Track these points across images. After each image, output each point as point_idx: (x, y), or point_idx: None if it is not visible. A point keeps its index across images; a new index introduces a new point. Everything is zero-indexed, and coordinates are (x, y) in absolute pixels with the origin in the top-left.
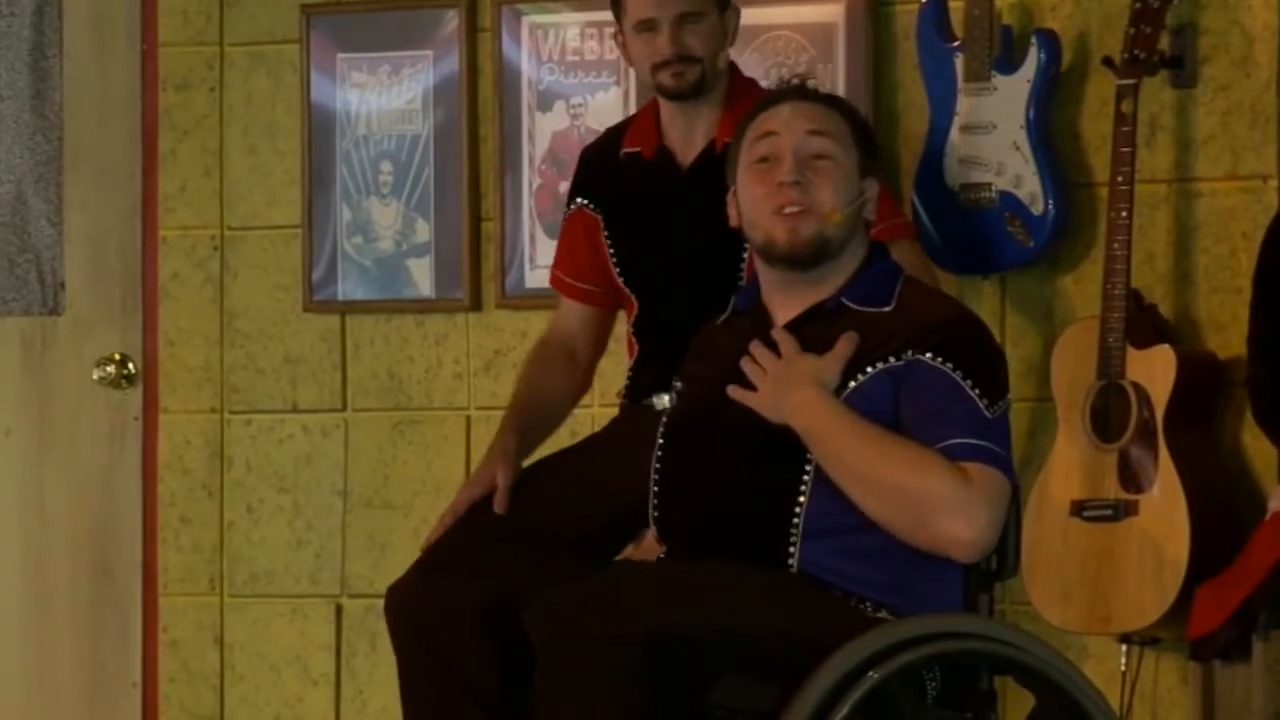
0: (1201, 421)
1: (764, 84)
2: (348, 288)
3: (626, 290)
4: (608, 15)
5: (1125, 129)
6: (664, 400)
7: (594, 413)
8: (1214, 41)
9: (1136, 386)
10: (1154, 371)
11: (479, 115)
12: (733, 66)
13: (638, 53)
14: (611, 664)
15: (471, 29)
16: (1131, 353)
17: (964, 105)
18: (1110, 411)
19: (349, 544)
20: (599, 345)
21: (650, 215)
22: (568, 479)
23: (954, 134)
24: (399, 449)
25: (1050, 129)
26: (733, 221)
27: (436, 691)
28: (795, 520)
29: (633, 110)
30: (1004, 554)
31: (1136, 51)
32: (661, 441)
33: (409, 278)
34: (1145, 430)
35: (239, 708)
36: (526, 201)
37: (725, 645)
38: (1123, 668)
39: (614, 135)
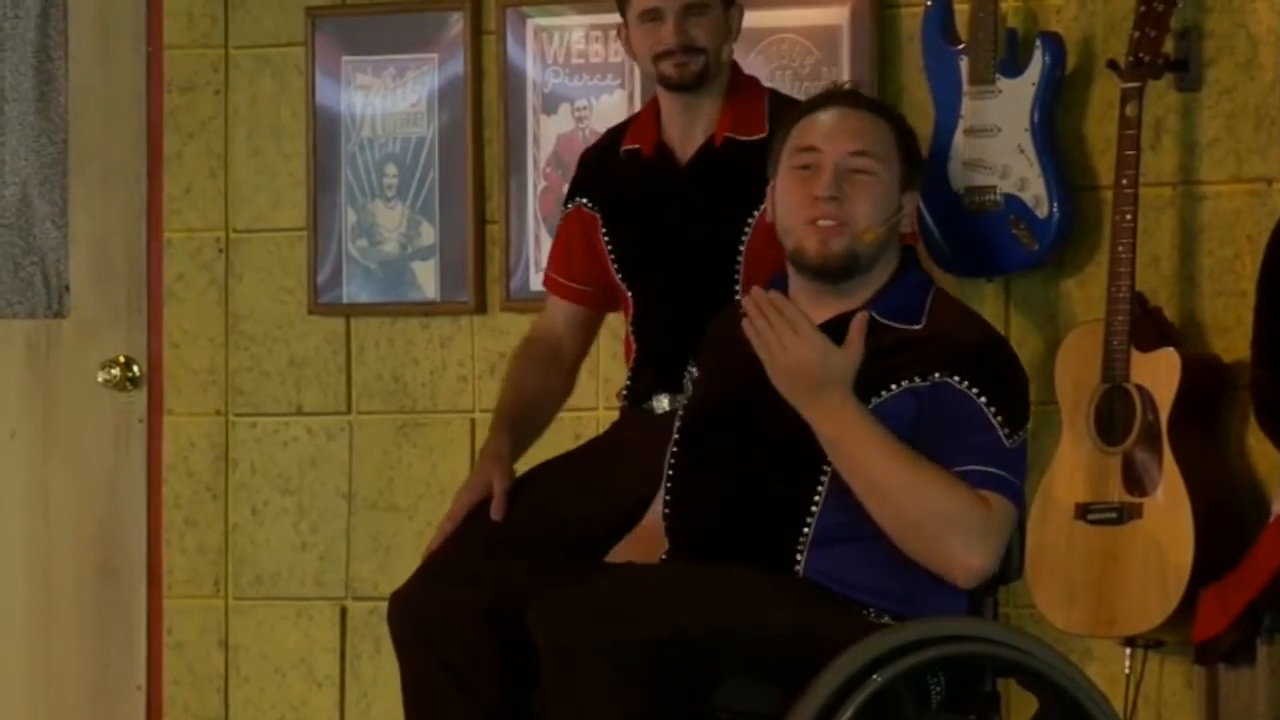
0: (1206, 424)
1: (767, 84)
2: (352, 290)
3: (624, 287)
4: (612, 18)
5: (1130, 132)
6: (664, 403)
7: (598, 415)
8: (1219, 45)
9: (1141, 389)
10: (1158, 374)
11: (484, 118)
12: (733, 63)
13: (640, 43)
14: (615, 667)
15: (476, 31)
16: (1136, 355)
17: (968, 108)
18: (1114, 414)
19: (353, 546)
20: (584, 347)
21: (649, 212)
22: (569, 482)
23: (958, 137)
24: (404, 451)
25: (1055, 132)
26: (769, 217)
27: (439, 696)
28: (805, 530)
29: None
30: (1008, 557)
31: (1141, 55)
32: (677, 436)
33: (414, 280)
34: (1149, 433)
35: (243, 710)
36: (531, 204)
37: (729, 648)
38: (1127, 671)
39: (614, 135)
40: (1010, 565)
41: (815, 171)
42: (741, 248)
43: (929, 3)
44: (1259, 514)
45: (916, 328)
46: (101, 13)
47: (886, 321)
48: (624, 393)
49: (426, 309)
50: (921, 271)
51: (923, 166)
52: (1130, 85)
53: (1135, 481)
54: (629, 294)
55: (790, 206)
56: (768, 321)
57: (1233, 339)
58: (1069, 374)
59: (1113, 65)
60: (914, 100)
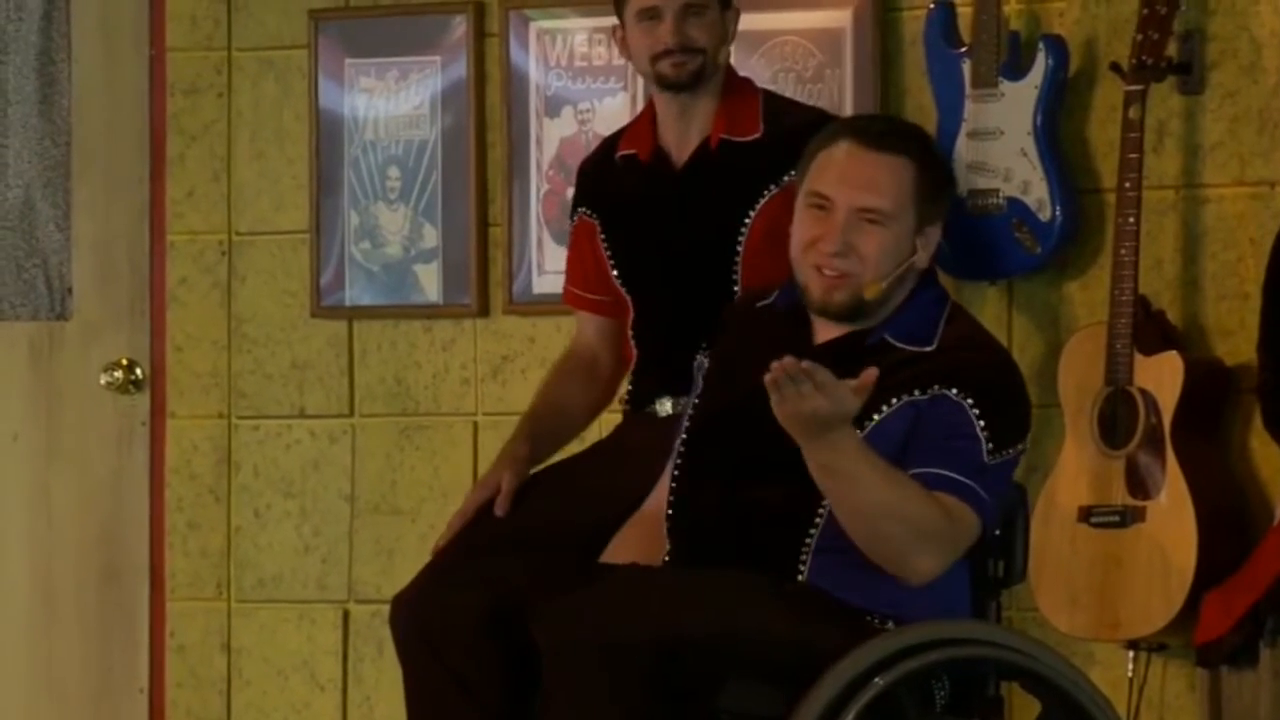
0: (1209, 428)
1: (770, 88)
2: (355, 293)
3: (624, 292)
4: (615, 20)
5: (1133, 135)
6: (667, 405)
7: (600, 419)
8: (1222, 47)
9: (1144, 393)
10: (1161, 378)
11: (487, 121)
12: (728, 65)
13: (638, 42)
14: (618, 670)
15: (479, 34)
16: (1139, 359)
17: (971, 111)
18: (1118, 418)
19: (356, 549)
20: (620, 357)
21: (645, 216)
22: (572, 486)
23: (961, 140)
24: (406, 454)
25: (1058, 135)
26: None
27: (441, 699)
28: (809, 539)
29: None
30: (1011, 560)
31: (1144, 57)
32: (684, 439)
33: (416, 283)
34: (1153, 436)
35: (246, 713)
36: (534, 207)
37: (731, 651)
38: (1130, 674)
39: (610, 142)
40: (1014, 568)
41: (827, 214)
42: (739, 248)
43: (931, 5)
44: (1262, 517)
45: (929, 349)
46: (104, 15)
47: (900, 344)
48: (626, 397)
49: (429, 312)
50: (937, 288)
51: (948, 194)
52: (1133, 88)
53: (1138, 485)
54: (629, 298)
55: (800, 242)
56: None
57: (1236, 342)
58: (1072, 377)
59: (1115, 68)
60: (916, 103)
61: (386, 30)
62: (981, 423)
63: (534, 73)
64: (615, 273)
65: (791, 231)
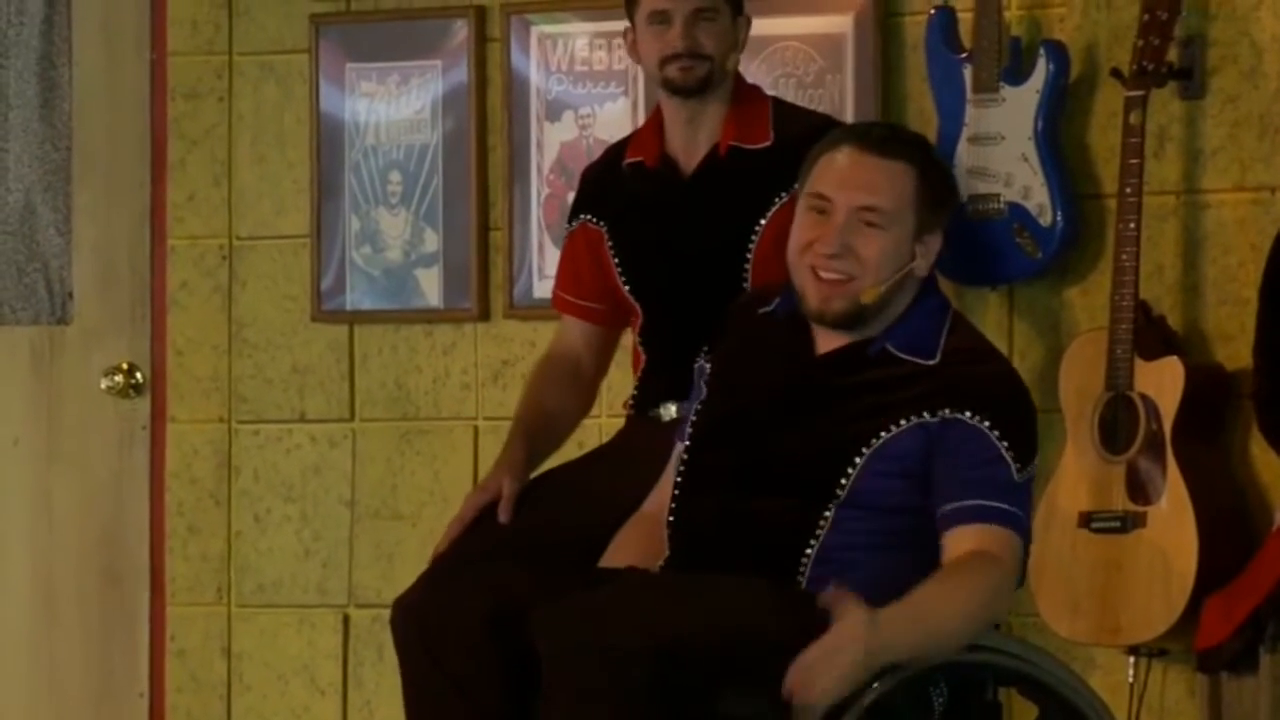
0: (1210, 433)
1: (771, 93)
2: (356, 297)
3: (632, 300)
4: (616, 25)
5: (1133, 140)
6: (671, 410)
7: (601, 423)
8: (1222, 53)
9: (1144, 398)
10: (1162, 383)
11: (488, 125)
12: (737, 72)
13: (647, 46)
14: (617, 675)
15: (480, 39)
16: (1139, 364)
17: (972, 116)
18: (1118, 423)
19: (356, 554)
20: (603, 363)
21: (654, 223)
22: (574, 490)
23: (962, 145)
24: (407, 459)
25: (1058, 140)
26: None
27: (441, 703)
28: (809, 550)
29: (640, 120)
30: None
31: (1145, 63)
32: (688, 444)
33: (417, 287)
34: (1153, 442)
35: (246, 717)
36: (535, 211)
37: (730, 657)
38: (1130, 679)
39: (615, 150)
40: None
41: (826, 216)
42: (749, 256)
43: (933, 11)
44: (1263, 522)
45: (931, 363)
46: (105, 19)
47: (901, 355)
48: (630, 402)
49: (430, 316)
50: (939, 297)
51: (949, 204)
52: (1134, 93)
53: (1139, 490)
54: (637, 305)
55: (797, 244)
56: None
57: (1236, 347)
58: (1072, 383)
59: (1116, 73)
60: (918, 108)
61: (387, 35)
62: (1004, 444)
63: (535, 77)
64: (623, 280)
65: (790, 234)
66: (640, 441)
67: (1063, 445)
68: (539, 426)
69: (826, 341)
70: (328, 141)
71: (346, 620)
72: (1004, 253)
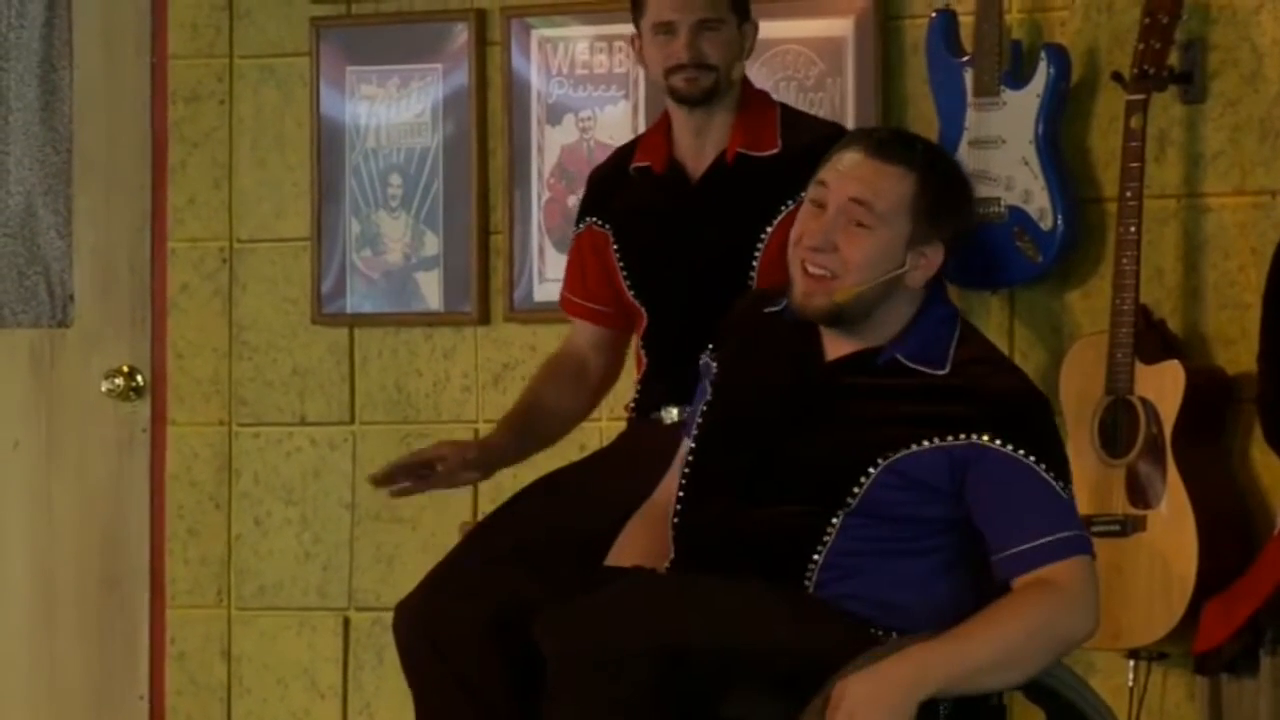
0: (1210, 437)
1: (774, 97)
2: (356, 300)
3: (636, 304)
4: (617, 29)
5: (1134, 144)
6: (673, 414)
7: (601, 426)
8: (1223, 57)
9: (1145, 402)
10: (1162, 387)
11: (488, 128)
12: (744, 78)
13: (652, 56)
14: (621, 679)
15: (481, 42)
16: (1140, 368)
17: (973, 120)
18: (1118, 427)
19: (357, 557)
20: (610, 367)
21: (661, 228)
22: (576, 493)
23: (963, 148)
24: None
25: (1059, 144)
26: None
27: (447, 703)
28: (816, 556)
29: (641, 123)
30: None
31: (1146, 67)
32: (693, 445)
33: (417, 291)
34: (1153, 446)
35: None
36: (535, 215)
37: (735, 660)
38: (1130, 683)
39: (623, 153)
40: None
41: (821, 211)
42: (754, 263)
43: (934, 14)
44: (1263, 526)
45: (941, 373)
46: (106, 23)
47: (910, 364)
48: (632, 405)
49: (430, 319)
50: (947, 306)
51: (956, 218)
52: (1135, 97)
53: (1139, 494)
54: (642, 309)
55: (793, 237)
56: None
57: (1236, 351)
58: (1073, 386)
59: (1117, 77)
60: (918, 111)
61: (388, 38)
62: (1042, 466)
63: (535, 80)
64: (628, 284)
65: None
66: (642, 444)
67: None
68: (528, 419)
69: (835, 348)
70: (328, 144)
71: (347, 623)
72: (1005, 256)
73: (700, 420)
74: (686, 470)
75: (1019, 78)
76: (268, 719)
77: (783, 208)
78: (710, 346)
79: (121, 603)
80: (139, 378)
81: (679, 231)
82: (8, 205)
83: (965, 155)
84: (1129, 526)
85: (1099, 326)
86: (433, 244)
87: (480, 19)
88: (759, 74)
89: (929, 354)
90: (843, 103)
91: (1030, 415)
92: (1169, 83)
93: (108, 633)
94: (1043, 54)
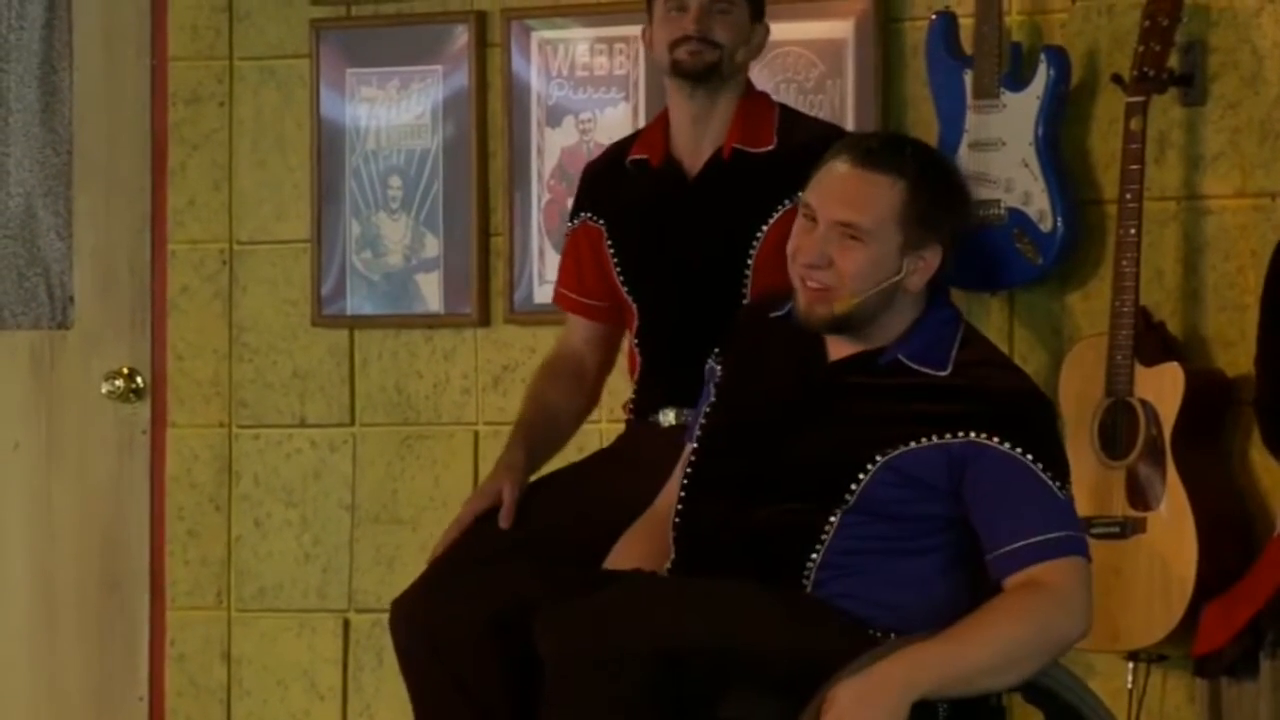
0: (1209, 439)
1: (775, 99)
2: (356, 302)
3: (629, 299)
4: (617, 31)
5: (1134, 146)
6: (670, 416)
7: (601, 428)
8: (1223, 59)
9: (1144, 404)
10: (1162, 389)
11: (488, 130)
12: (748, 80)
13: (661, 31)
14: (619, 679)
15: (481, 44)
16: (1140, 370)
17: (973, 122)
18: (1118, 429)
19: (357, 559)
20: (606, 362)
21: (655, 223)
22: (575, 494)
23: (963, 150)
24: (407, 464)
25: (1059, 146)
26: None
27: (444, 704)
28: (814, 555)
29: (641, 125)
30: None
31: (1146, 69)
32: (695, 446)
33: (417, 292)
34: (1153, 448)
35: None
36: (535, 217)
37: (732, 661)
38: (1129, 685)
39: (619, 147)
40: None
41: (814, 226)
42: (750, 260)
43: (933, 16)
44: (1262, 528)
45: (943, 373)
46: (106, 24)
47: (913, 365)
48: (630, 406)
49: (430, 321)
50: (949, 309)
51: (951, 218)
52: (1135, 99)
53: (1139, 496)
54: (634, 305)
55: (790, 251)
56: None
57: (1236, 353)
58: (1072, 388)
59: (1117, 79)
60: (918, 114)
61: (388, 40)
62: (1040, 466)
63: (535, 82)
64: (621, 279)
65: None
66: (641, 446)
67: None
68: (541, 428)
69: (837, 350)
70: (328, 146)
71: (346, 625)
72: (1004, 258)
73: (703, 423)
74: (688, 472)
75: (1019, 80)
76: None
77: (779, 208)
78: (716, 351)
79: (121, 604)
80: (139, 379)
81: (674, 228)
82: (8, 207)
83: (965, 157)
84: (1128, 528)
85: (1099, 328)
86: (433, 246)
87: (480, 21)
88: (759, 76)
89: (931, 355)
90: (843, 105)
91: (1030, 415)
92: (1169, 85)
93: (108, 634)
94: (1042, 56)
